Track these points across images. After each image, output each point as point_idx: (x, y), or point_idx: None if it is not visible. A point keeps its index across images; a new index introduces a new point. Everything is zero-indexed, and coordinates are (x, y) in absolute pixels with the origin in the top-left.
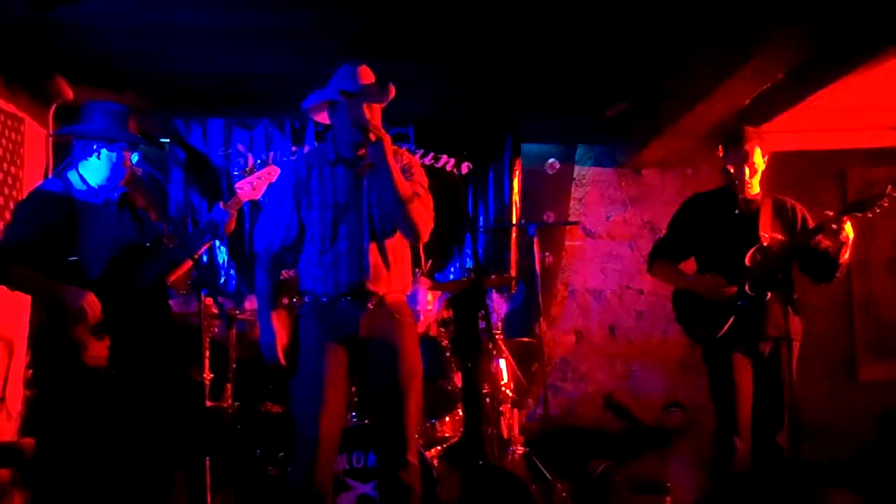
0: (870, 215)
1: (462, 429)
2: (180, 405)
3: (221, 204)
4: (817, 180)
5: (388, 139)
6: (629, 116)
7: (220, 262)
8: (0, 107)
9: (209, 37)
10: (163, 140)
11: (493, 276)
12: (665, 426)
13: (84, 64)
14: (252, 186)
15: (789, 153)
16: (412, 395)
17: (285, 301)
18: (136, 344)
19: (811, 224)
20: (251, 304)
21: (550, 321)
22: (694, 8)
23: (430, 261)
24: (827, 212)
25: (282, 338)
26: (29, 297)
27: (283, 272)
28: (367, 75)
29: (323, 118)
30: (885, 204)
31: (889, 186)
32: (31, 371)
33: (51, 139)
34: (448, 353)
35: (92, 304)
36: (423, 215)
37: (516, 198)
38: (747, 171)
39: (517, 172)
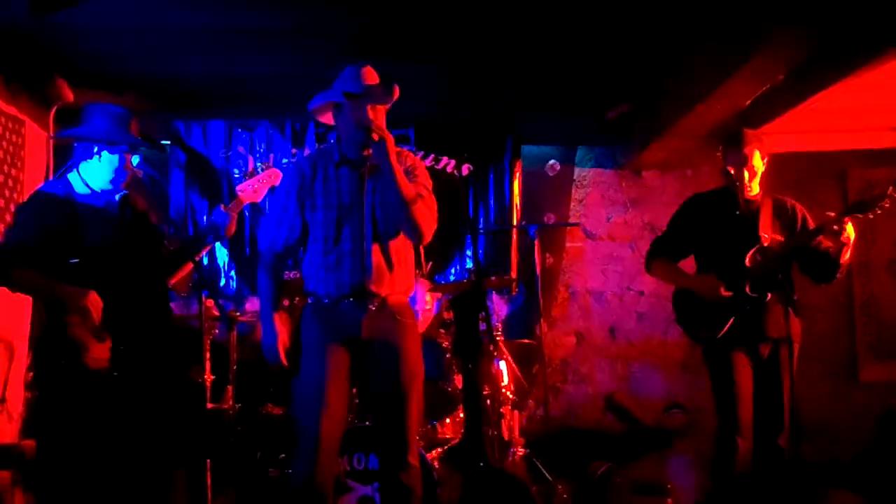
0: (871, 216)
1: (463, 430)
2: (181, 407)
3: (222, 206)
4: (818, 181)
5: (391, 140)
6: (629, 117)
7: (221, 264)
8: (1, 109)
9: (209, 37)
10: (163, 142)
11: (493, 278)
12: (666, 427)
13: (85, 66)
14: (253, 189)
15: (790, 154)
16: (413, 397)
17: (287, 302)
18: (137, 346)
19: (811, 224)
20: (252, 305)
21: (551, 322)
22: (694, 8)
23: (431, 262)
24: (828, 213)
25: (284, 338)
26: (30, 299)
27: (285, 273)
28: (371, 76)
29: (328, 119)
30: (886, 205)
31: (890, 188)
32: (31, 373)
33: (51, 141)
34: (449, 355)
35: (94, 303)
36: (427, 216)
37: (517, 199)
38: (747, 173)
39: (517, 174)
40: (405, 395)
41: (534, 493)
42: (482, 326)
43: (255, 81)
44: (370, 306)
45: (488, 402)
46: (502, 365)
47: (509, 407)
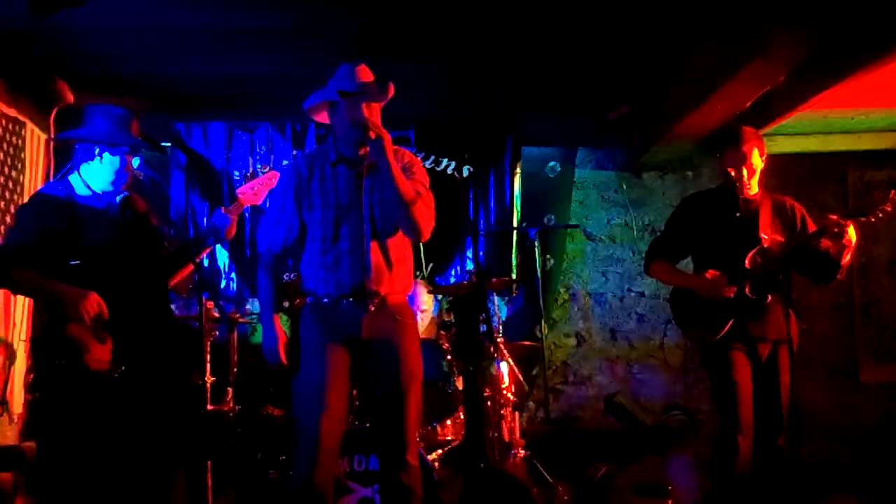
0: (872, 220)
1: (463, 432)
2: (181, 409)
3: (223, 209)
4: (819, 182)
5: (388, 137)
6: (630, 119)
7: (222, 266)
8: (1, 111)
9: (209, 38)
10: (164, 144)
11: (494, 280)
12: (666, 429)
13: (85, 67)
14: (254, 192)
15: (791, 155)
16: (413, 397)
17: (286, 304)
18: (137, 347)
19: (810, 224)
20: (252, 307)
21: (551, 324)
22: (694, 9)
23: (431, 264)
24: (831, 216)
25: (283, 339)
26: (30, 300)
27: (285, 274)
28: (365, 74)
29: (323, 118)
30: (889, 209)
31: (893, 192)
32: (32, 374)
33: (52, 143)
34: (449, 357)
35: (95, 304)
36: (425, 214)
37: (517, 201)
38: (745, 171)
39: (518, 175)
40: (404, 395)
41: (534, 494)
42: (483, 328)
43: (256, 82)
44: (370, 306)
45: (489, 403)
46: (503, 366)
47: (510, 408)
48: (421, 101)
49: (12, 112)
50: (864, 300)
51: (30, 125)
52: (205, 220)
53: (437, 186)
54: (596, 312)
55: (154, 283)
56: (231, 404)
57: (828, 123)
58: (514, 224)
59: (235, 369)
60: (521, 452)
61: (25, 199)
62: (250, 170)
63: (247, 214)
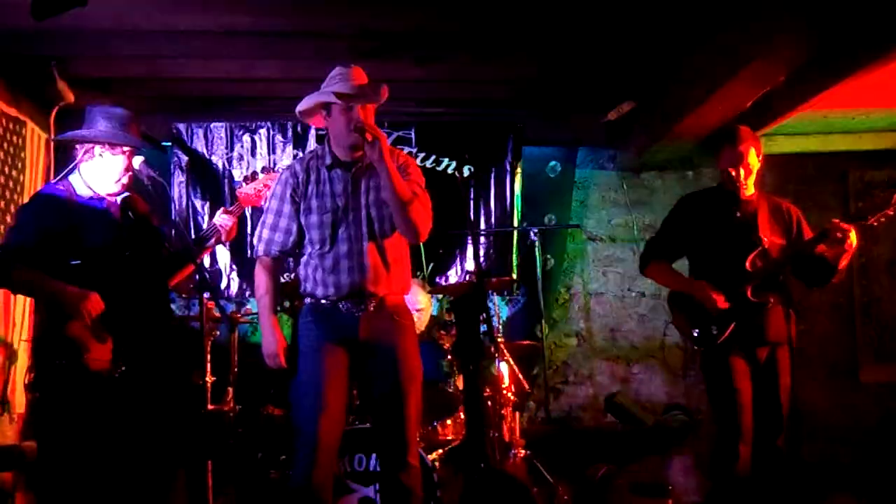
0: (875, 223)
1: (464, 432)
2: (182, 408)
3: (223, 209)
4: (819, 182)
5: (384, 139)
6: (630, 119)
7: (222, 266)
8: (2, 110)
9: (209, 39)
10: (165, 143)
11: (494, 280)
12: (666, 429)
13: (86, 67)
14: (255, 192)
15: (791, 155)
16: (412, 397)
17: (287, 304)
18: (137, 347)
19: (806, 229)
20: (253, 307)
21: (552, 324)
22: (695, 10)
23: (432, 264)
24: (834, 220)
25: (282, 340)
26: (31, 300)
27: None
28: (360, 76)
29: (317, 122)
30: (891, 212)
31: (895, 194)
32: (32, 374)
33: (52, 143)
34: (449, 356)
35: (95, 304)
36: (422, 214)
37: (518, 201)
38: (742, 171)
39: (518, 175)
40: (404, 395)
41: (534, 494)
42: (483, 328)
43: (256, 83)
44: (368, 307)
45: (489, 403)
46: (503, 366)
47: (510, 408)
48: (422, 102)
49: (12, 111)
50: (864, 300)
51: (30, 125)
52: (205, 220)
53: (438, 186)
54: (596, 312)
55: (154, 283)
56: (231, 404)
57: (828, 123)
58: (515, 224)
59: (236, 369)
60: (522, 452)
61: (25, 199)
62: (251, 170)
63: (247, 215)
